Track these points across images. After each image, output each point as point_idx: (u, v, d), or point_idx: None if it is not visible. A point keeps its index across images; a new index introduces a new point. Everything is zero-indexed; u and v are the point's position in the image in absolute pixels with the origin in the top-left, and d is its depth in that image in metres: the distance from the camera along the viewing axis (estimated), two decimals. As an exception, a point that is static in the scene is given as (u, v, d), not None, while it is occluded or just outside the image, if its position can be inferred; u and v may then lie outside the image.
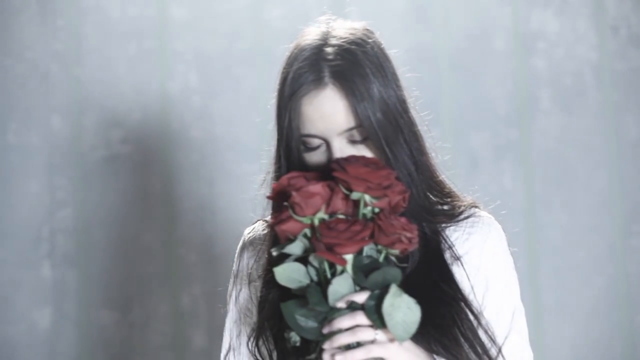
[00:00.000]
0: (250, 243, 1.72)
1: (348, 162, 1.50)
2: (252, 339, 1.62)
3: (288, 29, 3.13)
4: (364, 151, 1.57)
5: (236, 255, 1.74)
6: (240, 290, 1.69)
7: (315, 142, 1.58)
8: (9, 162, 3.05)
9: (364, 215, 1.50)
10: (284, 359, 1.58)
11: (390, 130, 1.57)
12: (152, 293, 3.05)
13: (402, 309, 1.46)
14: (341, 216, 1.51)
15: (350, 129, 1.56)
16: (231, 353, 1.69)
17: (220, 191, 3.09)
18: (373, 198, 1.49)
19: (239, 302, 1.69)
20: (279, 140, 1.61)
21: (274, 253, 1.49)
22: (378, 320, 1.46)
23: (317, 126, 1.56)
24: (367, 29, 1.65)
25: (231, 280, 1.72)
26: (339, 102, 1.55)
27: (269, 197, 1.54)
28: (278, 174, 1.62)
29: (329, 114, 1.55)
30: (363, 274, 1.48)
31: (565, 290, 3.18)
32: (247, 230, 1.75)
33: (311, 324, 1.48)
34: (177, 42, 3.11)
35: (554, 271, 3.19)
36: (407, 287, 1.53)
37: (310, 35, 1.61)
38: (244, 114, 3.10)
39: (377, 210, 1.50)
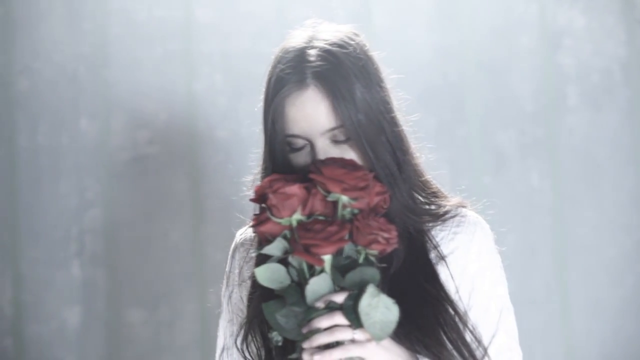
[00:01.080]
0: (242, 244, 1.75)
1: (324, 164, 1.51)
2: (240, 337, 1.64)
3: (312, 29, 3.14)
4: (348, 151, 1.59)
5: (229, 256, 1.77)
6: (232, 290, 1.72)
7: (299, 142, 1.59)
8: (38, 164, 3.11)
9: (343, 216, 1.51)
10: (270, 358, 1.60)
11: (372, 130, 1.58)
12: (179, 292, 3.09)
13: (380, 309, 1.47)
14: (321, 217, 1.52)
15: (333, 129, 1.57)
16: (225, 353, 1.71)
17: (246, 190, 3.12)
18: (351, 199, 1.50)
19: (231, 303, 1.72)
20: (265, 142, 1.63)
21: (253, 254, 1.51)
22: (355, 320, 1.47)
23: (300, 126, 1.58)
24: (353, 32, 1.67)
25: (224, 281, 1.75)
26: (321, 103, 1.57)
27: (251, 200, 1.57)
28: (264, 175, 1.65)
29: (311, 114, 1.57)
30: (341, 274, 1.50)
31: (595, 288, 3.16)
32: (238, 232, 1.78)
33: (292, 323, 1.50)
34: (203, 43, 3.15)
35: (582, 269, 3.16)
36: (391, 286, 1.54)
37: (295, 38, 1.63)
38: (270, 114, 3.12)
39: (356, 211, 1.51)
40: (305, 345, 1.48)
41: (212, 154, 3.12)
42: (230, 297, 1.72)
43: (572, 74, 3.20)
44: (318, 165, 1.51)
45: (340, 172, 1.49)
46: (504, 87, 3.20)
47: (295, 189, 1.50)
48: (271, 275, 1.52)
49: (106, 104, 3.13)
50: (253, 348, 1.63)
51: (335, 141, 1.58)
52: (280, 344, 1.52)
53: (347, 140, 1.58)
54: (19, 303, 3.09)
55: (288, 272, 1.52)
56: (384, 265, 1.58)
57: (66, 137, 3.12)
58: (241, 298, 1.70)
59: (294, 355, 1.51)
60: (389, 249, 1.51)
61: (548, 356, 3.18)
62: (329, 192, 1.51)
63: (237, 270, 1.72)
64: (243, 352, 1.63)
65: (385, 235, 1.49)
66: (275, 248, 1.52)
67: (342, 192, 1.49)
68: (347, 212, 1.51)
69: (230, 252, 1.77)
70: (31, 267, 3.09)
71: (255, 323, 1.61)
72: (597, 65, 3.21)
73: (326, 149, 1.58)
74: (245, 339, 1.63)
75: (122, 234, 3.10)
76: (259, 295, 1.62)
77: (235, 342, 1.65)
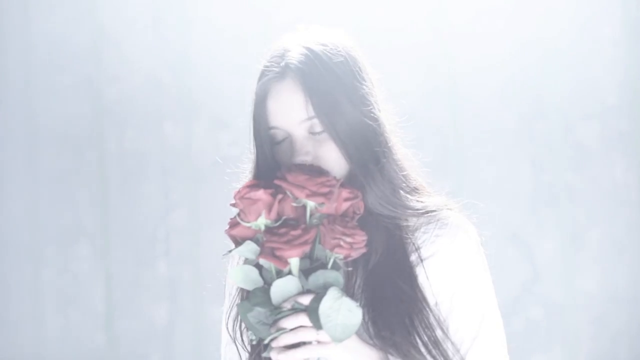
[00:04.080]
0: None
1: (289, 170, 1.55)
2: (232, 328, 1.70)
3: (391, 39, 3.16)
4: (326, 143, 1.62)
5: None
6: (233, 285, 1.78)
7: (280, 134, 1.64)
8: (126, 167, 3.25)
9: (312, 220, 1.55)
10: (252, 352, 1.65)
11: (347, 123, 1.61)
12: (262, 289, 3.17)
13: (342, 312, 1.50)
14: (293, 222, 1.56)
15: (309, 119, 1.61)
16: (228, 347, 1.77)
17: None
18: (318, 205, 1.54)
19: (231, 296, 1.77)
20: (252, 137, 1.69)
21: (222, 256, 1.57)
22: (317, 321, 1.50)
23: (278, 118, 1.63)
24: (340, 34, 1.70)
25: (226, 276, 1.80)
26: (297, 93, 1.61)
27: (231, 205, 1.62)
28: (254, 171, 1.70)
29: (287, 104, 1.62)
30: (306, 277, 1.53)
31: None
32: None
33: (263, 323, 1.55)
34: (280, 46, 3.22)
35: (670, 265, 3.08)
36: (367, 282, 1.56)
37: (282, 39, 1.69)
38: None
39: (325, 216, 1.54)
40: (274, 344, 1.53)
41: (291, 154, 3.19)
42: (230, 291, 1.78)
43: (656, 64, 3.11)
44: (284, 171, 1.55)
45: (303, 179, 1.52)
46: (585, 80, 3.14)
47: (260, 194, 1.54)
48: (244, 276, 1.57)
49: (189, 108, 3.24)
50: (245, 339, 1.68)
51: (313, 132, 1.62)
52: (254, 342, 1.57)
53: (323, 132, 1.61)
54: (110, 300, 3.23)
55: (261, 274, 1.57)
56: (350, 269, 1.60)
57: (151, 141, 3.25)
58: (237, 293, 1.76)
59: (265, 354, 1.56)
60: (355, 254, 1.53)
61: (635, 355, 3.11)
62: (296, 197, 1.54)
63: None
64: (235, 342, 1.69)
65: (349, 240, 1.51)
66: (248, 250, 1.56)
67: (307, 197, 1.52)
68: (316, 217, 1.55)
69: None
70: (121, 266, 3.23)
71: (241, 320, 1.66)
72: (683, 55, 3.11)
73: (303, 141, 1.62)
74: (240, 334, 1.69)
75: (206, 233, 3.21)
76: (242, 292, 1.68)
77: (227, 328, 1.71)
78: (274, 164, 1.66)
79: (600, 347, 3.09)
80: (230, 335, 1.72)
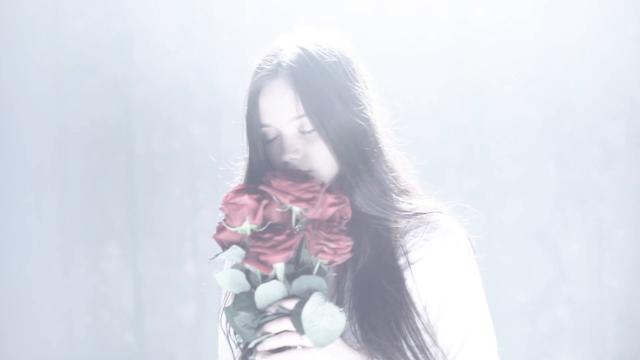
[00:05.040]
0: None
1: (275, 176, 1.56)
2: (226, 329, 1.72)
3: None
4: (315, 141, 1.63)
5: None
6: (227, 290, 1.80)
7: (271, 132, 1.66)
8: (154, 168, 3.29)
9: (298, 225, 1.56)
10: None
11: (336, 123, 1.62)
12: (288, 289, 3.19)
13: (326, 317, 1.51)
14: (279, 226, 1.58)
15: (299, 117, 1.62)
16: (225, 347, 1.79)
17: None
18: (303, 210, 1.55)
19: (226, 297, 1.79)
20: (246, 136, 1.71)
21: (209, 260, 1.59)
22: (301, 326, 1.51)
23: (269, 116, 1.65)
24: (335, 36, 1.71)
25: None
26: (288, 92, 1.63)
27: (221, 209, 1.64)
28: (247, 169, 1.72)
29: (278, 102, 1.64)
30: (290, 282, 1.55)
31: None
32: None
33: (249, 327, 1.56)
34: (304, 47, 3.23)
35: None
36: (355, 287, 1.57)
37: (278, 40, 1.70)
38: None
39: (311, 221, 1.56)
40: (259, 348, 1.54)
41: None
42: (225, 293, 1.80)
43: (684, 61, 3.07)
44: (269, 176, 1.56)
45: (286, 184, 1.53)
46: (611, 78, 3.11)
47: (245, 200, 1.56)
48: (231, 280, 1.58)
49: (215, 108, 3.27)
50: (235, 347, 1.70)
51: (303, 131, 1.63)
52: (241, 345, 1.59)
53: (313, 131, 1.63)
54: (139, 300, 3.28)
55: (248, 278, 1.59)
56: (335, 274, 1.61)
57: (179, 141, 3.28)
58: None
59: (251, 357, 1.57)
60: (339, 260, 1.53)
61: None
62: (282, 202, 1.56)
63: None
64: (228, 340, 1.71)
65: (332, 245, 1.52)
66: (234, 255, 1.58)
67: (291, 202, 1.53)
68: (302, 222, 1.56)
69: None
70: (149, 266, 3.27)
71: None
72: None
73: (293, 139, 1.63)
74: (228, 333, 1.71)
75: (232, 233, 3.23)
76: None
77: (229, 338, 1.73)
78: (266, 162, 1.68)
79: (626, 346, 3.06)
80: (225, 335, 1.74)
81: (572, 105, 3.13)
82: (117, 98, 3.30)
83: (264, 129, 1.67)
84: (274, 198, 1.56)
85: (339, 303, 1.62)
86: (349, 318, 1.60)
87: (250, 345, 1.55)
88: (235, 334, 1.60)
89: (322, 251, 1.53)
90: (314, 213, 1.55)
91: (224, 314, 1.77)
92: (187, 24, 3.28)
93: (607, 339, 3.09)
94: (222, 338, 1.79)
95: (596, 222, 3.11)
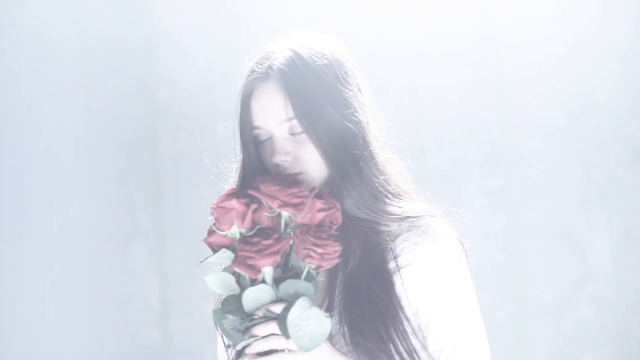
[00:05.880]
0: None
1: (264, 180, 1.58)
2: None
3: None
4: (306, 144, 1.64)
5: None
6: None
7: (263, 134, 1.68)
8: (180, 169, 3.32)
9: (287, 230, 1.57)
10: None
11: (327, 125, 1.63)
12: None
13: (312, 322, 1.52)
14: (269, 231, 1.59)
15: (289, 120, 1.64)
16: (223, 348, 1.81)
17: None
18: (292, 215, 1.56)
19: (221, 300, 1.81)
20: (239, 138, 1.73)
21: (199, 263, 1.61)
22: (287, 331, 1.53)
23: (260, 118, 1.67)
24: (330, 40, 1.72)
25: None
26: (279, 94, 1.64)
27: (211, 212, 1.66)
28: (241, 171, 1.74)
29: (269, 104, 1.65)
30: (277, 286, 1.56)
31: None
32: None
33: (237, 330, 1.58)
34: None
35: None
36: (345, 290, 1.59)
37: (272, 44, 1.72)
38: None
39: (300, 225, 1.57)
40: (247, 351, 1.56)
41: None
42: (219, 297, 1.82)
43: None
44: (259, 181, 1.58)
45: (275, 189, 1.55)
46: (636, 76, 3.08)
47: (233, 204, 1.58)
48: (221, 283, 1.61)
49: (240, 109, 3.29)
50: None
51: (293, 134, 1.64)
52: (231, 348, 1.61)
53: (303, 133, 1.64)
54: (166, 299, 3.31)
55: (238, 281, 1.60)
56: (322, 279, 1.62)
57: (204, 142, 3.31)
58: None
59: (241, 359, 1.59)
60: (326, 265, 1.54)
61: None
62: (271, 207, 1.57)
63: None
64: (224, 341, 1.73)
65: (320, 250, 1.53)
66: (224, 258, 1.60)
67: (280, 207, 1.55)
68: (292, 227, 1.57)
69: None
70: (176, 265, 3.31)
71: None
72: None
73: (284, 142, 1.65)
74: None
75: (257, 233, 3.25)
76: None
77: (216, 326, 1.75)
78: (259, 164, 1.70)
79: (651, 347, 3.04)
80: (222, 337, 1.76)
81: (597, 103, 3.11)
82: (144, 100, 3.34)
83: (256, 131, 1.69)
84: (264, 202, 1.58)
85: (330, 306, 1.63)
86: (339, 321, 1.60)
87: (238, 348, 1.57)
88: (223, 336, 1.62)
89: (310, 256, 1.54)
90: (302, 218, 1.56)
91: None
92: (213, 26, 3.31)
93: (633, 339, 3.06)
94: (220, 340, 1.81)
95: (621, 221, 3.09)
